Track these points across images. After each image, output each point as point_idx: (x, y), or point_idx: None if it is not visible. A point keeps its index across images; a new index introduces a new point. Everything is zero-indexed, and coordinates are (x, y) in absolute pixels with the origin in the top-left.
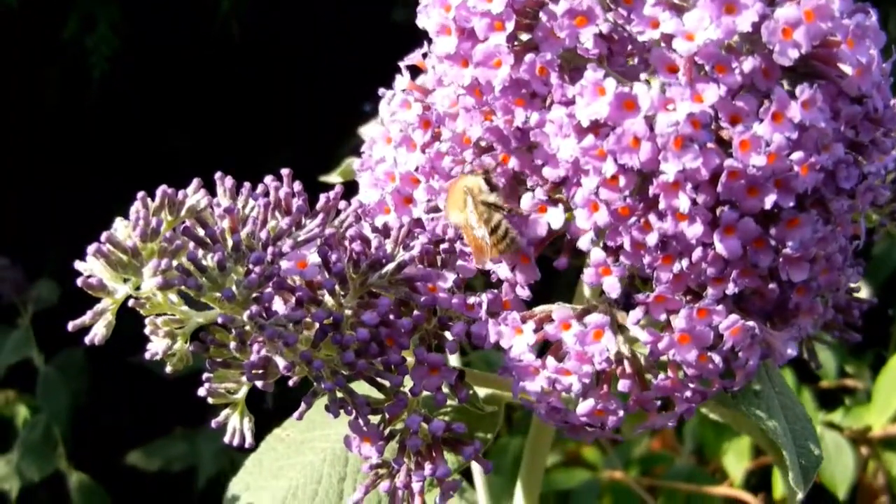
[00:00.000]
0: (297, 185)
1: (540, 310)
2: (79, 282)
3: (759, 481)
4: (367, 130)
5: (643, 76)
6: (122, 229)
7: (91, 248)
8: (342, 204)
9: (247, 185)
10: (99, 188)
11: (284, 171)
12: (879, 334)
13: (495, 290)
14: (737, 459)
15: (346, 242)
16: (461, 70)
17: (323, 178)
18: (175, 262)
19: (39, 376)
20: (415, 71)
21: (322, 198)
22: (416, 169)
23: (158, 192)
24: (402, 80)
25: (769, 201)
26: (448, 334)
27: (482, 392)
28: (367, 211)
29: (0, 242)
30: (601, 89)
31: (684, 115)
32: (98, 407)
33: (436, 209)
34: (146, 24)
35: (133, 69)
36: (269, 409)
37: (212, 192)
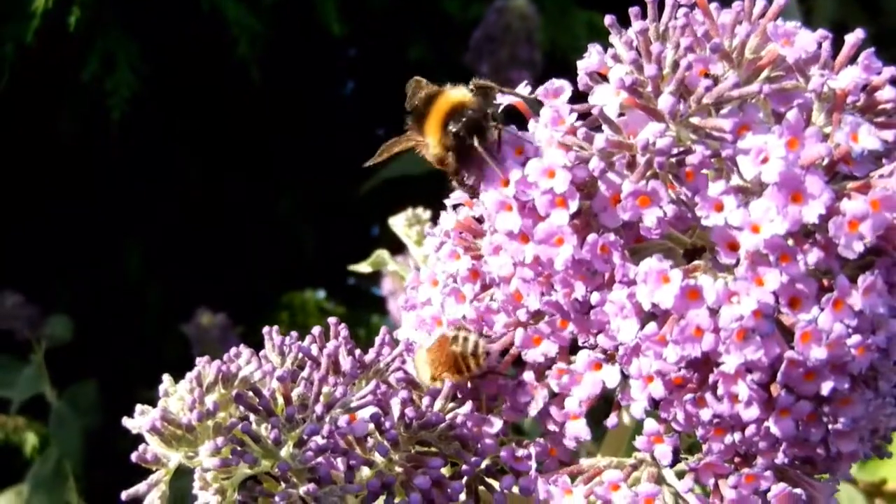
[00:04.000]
0: (344, 330)
1: (588, 465)
2: (133, 457)
3: None
4: (395, 222)
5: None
6: (175, 402)
7: (146, 425)
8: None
9: (294, 335)
10: (109, 221)
11: (332, 320)
12: None
13: (541, 441)
14: None
15: (393, 381)
16: (521, 246)
17: (352, 268)
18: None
19: (52, 412)
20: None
21: (371, 352)
22: (464, 317)
23: (213, 367)
24: (448, 219)
25: (826, 388)
26: (496, 484)
27: None
28: (412, 348)
29: (12, 277)
30: (666, 278)
31: (749, 311)
32: (109, 440)
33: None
34: (164, 65)
35: (150, 106)
36: None
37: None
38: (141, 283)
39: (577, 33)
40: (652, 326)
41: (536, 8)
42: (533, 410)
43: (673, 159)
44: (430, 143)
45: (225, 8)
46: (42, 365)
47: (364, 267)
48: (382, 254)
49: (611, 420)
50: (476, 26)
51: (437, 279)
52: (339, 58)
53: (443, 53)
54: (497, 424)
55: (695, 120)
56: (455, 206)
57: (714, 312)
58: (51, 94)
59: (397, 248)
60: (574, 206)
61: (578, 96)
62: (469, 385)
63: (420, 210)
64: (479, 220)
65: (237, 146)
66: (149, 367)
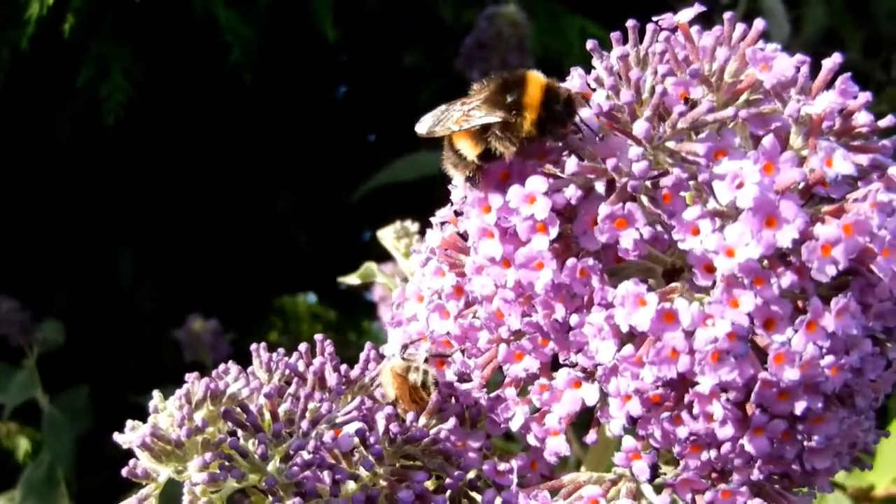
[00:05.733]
0: (329, 346)
1: (569, 479)
2: (124, 472)
3: None
4: (384, 235)
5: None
6: (165, 418)
7: (136, 441)
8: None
9: (281, 351)
10: (102, 226)
11: (318, 337)
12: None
13: (524, 455)
14: None
15: (378, 396)
16: (503, 270)
17: (342, 280)
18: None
19: (44, 417)
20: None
21: (357, 368)
22: (448, 333)
23: (202, 384)
24: (434, 236)
25: (800, 407)
26: (478, 497)
27: None
28: None
29: (5, 282)
30: (642, 301)
31: (724, 333)
32: (101, 446)
33: (467, 378)
34: (159, 70)
35: (143, 112)
36: None
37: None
38: (134, 288)
39: (570, 39)
40: (629, 348)
41: (528, 14)
42: (514, 426)
43: (649, 182)
44: (525, 117)
45: (218, 14)
46: (34, 370)
47: (353, 279)
48: (371, 266)
49: (590, 436)
50: (469, 32)
51: (422, 295)
52: (331, 62)
53: (436, 59)
54: (480, 439)
55: (671, 144)
56: (441, 224)
57: (689, 335)
58: (45, 100)
59: (387, 255)
60: (554, 231)
61: None
62: (453, 400)
63: (408, 223)
64: (465, 237)
65: (230, 151)
66: (141, 372)
